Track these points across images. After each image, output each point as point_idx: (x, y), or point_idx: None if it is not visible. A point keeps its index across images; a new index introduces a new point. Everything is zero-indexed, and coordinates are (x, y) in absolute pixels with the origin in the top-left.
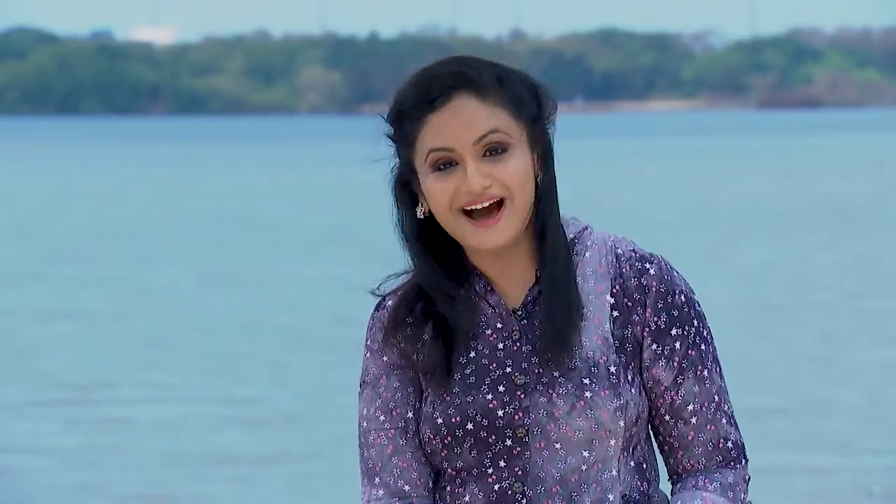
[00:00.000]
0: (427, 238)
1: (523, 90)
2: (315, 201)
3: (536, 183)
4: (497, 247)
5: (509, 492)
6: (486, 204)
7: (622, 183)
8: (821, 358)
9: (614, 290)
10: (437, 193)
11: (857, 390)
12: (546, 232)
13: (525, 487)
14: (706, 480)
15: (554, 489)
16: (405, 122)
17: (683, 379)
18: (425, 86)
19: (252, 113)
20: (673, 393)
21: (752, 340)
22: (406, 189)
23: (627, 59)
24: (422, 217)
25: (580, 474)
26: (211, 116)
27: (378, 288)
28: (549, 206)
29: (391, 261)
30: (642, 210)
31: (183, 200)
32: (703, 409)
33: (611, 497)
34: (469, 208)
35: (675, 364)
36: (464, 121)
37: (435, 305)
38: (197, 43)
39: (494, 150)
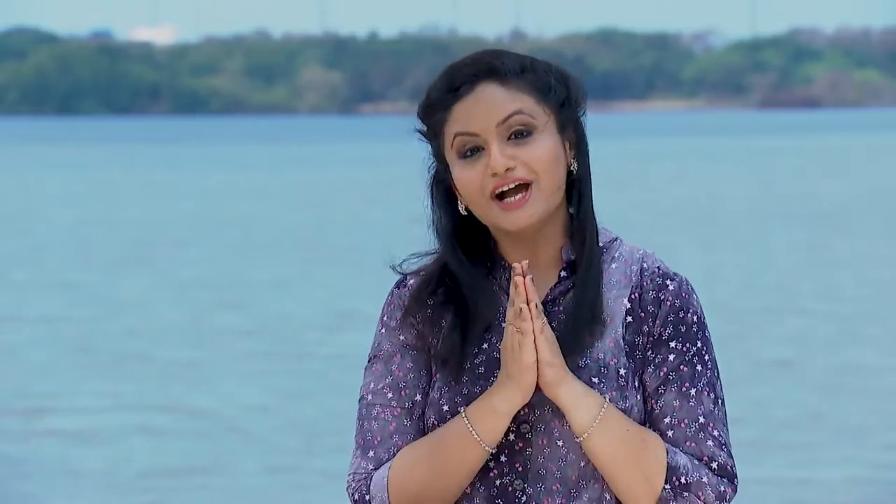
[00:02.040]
0: (461, 236)
1: (550, 77)
2: (288, 201)
3: (570, 171)
4: (525, 227)
5: (510, 488)
6: (513, 185)
7: (622, 183)
8: (784, 363)
9: (632, 297)
10: (466, 181)
11: (818, 398)
12: (581, 232)
13: (525, 485)
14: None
15: (554, 487)
16: (433, 113)
17: (665, 390)
18: (450, 77)
19: (252, 113)
20: (653, 401)
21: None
22: (441, 187)
23: (627, 59)
24: (464, 213)
25: (579, 471)
26: (211, 116)
27: (400, 265)
28: (584, 201)
29: (346, 264)
30: (634, 210)
31: (158, 202)
32: (682, 425)
33: (608, 496)
34: (498, 191)
35: (661, 374)
36: (487, 105)
37: (458, 289)
38: (197, 43)
39: (519, 134)
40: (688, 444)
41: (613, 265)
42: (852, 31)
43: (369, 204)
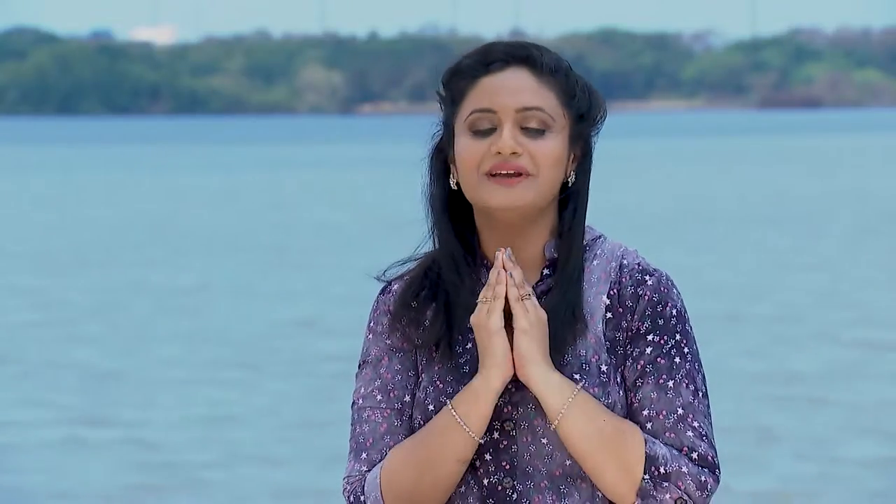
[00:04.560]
0: (451, 211)
1: (577, 85)
2: (269, 203)
3: (567, 183)
4: (510, 208)
5: (499, 487)
6: (511, 172)
7: (622, 183)
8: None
9: (611, 293)
10: (467, 154)
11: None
12: (567, 236)
13: (514, 482)
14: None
15: (542, 484)
16: (458, 80)
17: (643, 383)
18: (486, 52)
19: (252, 113)
20: (631, 394)
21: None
22: (441, 157)
23: (627, 59)
24: (454, 187)
25: (565, 469)
26: (211, 116)
27: (383, 274)
28: (574, 210)
29: (310, 268)
30: (632, 210)
31: (138, 204)
32: (660, 417)
33: (599, 495)
34: (494, 172)
35: (639, 367)
36: (513, 88)
37: (439, 289)
38: (197, 43)
39: (534, 130)
40: (667, 434)
41: (595, 262)
42: (852, 31)
43: (350, 206)
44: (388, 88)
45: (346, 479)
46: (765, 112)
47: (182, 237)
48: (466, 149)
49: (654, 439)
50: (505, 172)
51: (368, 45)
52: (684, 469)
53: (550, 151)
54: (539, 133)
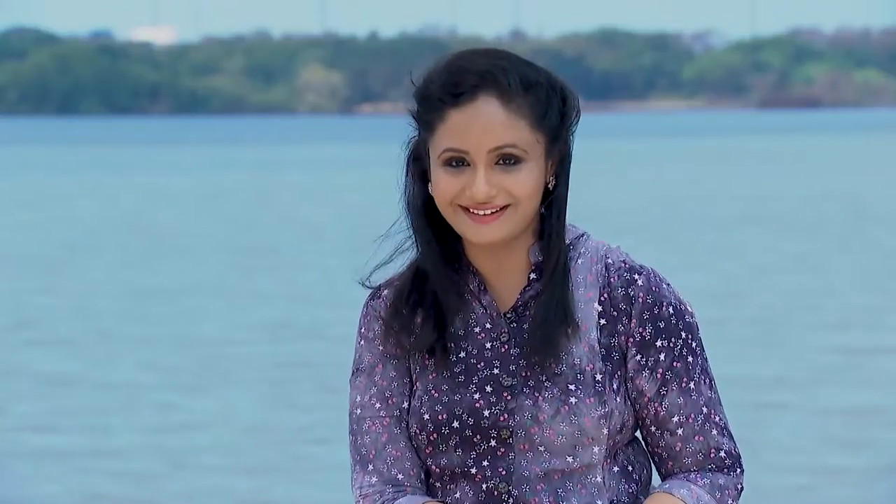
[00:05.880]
0: (431, 216)
1: (550, 96)
2: (252, 204)
3: (548, 188)
4: (491, 242)
5: (495, 492)
6: (489, 211)
7: (621, 183)
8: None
9: (602, 299)
10: (443, 188)
11: None
12: (552, 239)
13: (510, 487)
14: (697, 476)
15: (538, 487)
16: (428, 107)
17: (667, 391)
18: (454, 77)
19: (252, 113)
20: (657, 404)
21: None
22: (418, 163)
23: (627, 59)
24: (433, 194)
25: (564, 472)
26: (211, 116)
27: (368, 279)
28: (558, 213)
29: (284, 270)
30: (636, 211)
31: (120, 205)
32: (690, 420)
33: (599, 503)
34: (470, 209)
35: (659, 376)
36: (483, 126)
37: (427, 295)
38: (197, 43)
39: (508, 160)
40: (696, 438)
41: (579, 261)
42: (852, 31)
43: (348, 206)
44: (388, 88)
45: (358, 490)
46: (765, 112)
47: (175, 238)
48: (442, 183)
49: (695, 491)
50: (482, 213)
51: (368, 45)
52: (724, 494)
53: (528, 182)
54: (515, 163)
